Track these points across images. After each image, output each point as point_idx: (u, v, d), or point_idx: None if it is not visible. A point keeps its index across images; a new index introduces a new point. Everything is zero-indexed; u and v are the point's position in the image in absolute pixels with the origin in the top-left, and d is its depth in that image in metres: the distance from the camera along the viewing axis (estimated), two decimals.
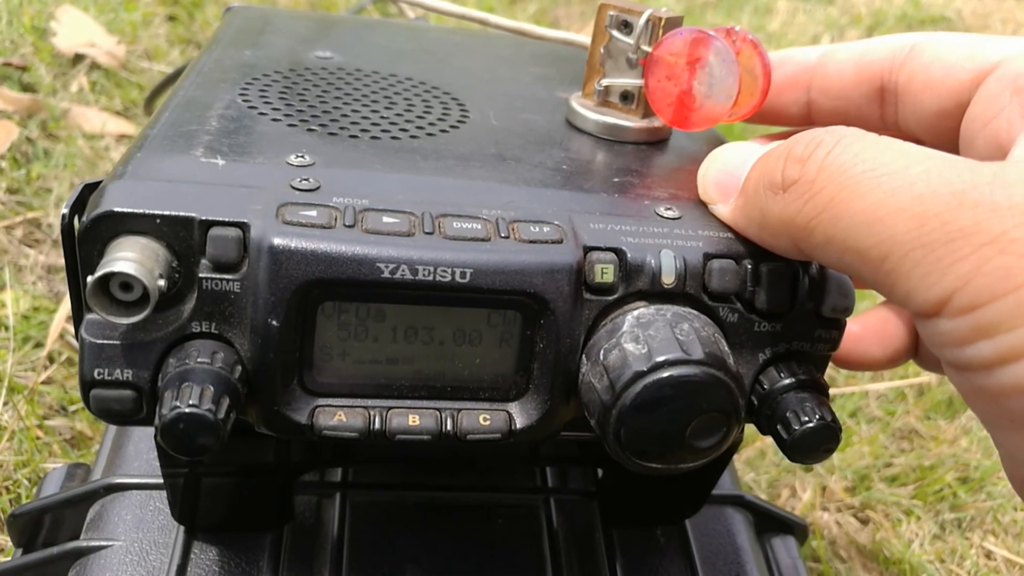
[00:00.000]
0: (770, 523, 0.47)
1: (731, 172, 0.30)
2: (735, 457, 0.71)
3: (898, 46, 0.33)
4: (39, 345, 0.69)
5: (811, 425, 0.28)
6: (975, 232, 0.22)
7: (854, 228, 0.24)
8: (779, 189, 0.26)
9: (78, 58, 1.05)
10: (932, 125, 0.32)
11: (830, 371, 0.84)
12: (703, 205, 0.31)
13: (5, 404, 0.63)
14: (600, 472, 0.44)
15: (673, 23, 0.35)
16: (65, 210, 0.26)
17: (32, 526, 0.43)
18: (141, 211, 0.25)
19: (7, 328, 0.69)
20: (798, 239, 0.26)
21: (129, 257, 0.24)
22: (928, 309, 0.24)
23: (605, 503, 0.43)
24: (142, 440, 0.44)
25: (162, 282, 0.24)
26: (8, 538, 0.44)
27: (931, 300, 0.23)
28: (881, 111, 0.33)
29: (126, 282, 0.24)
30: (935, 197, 0.23)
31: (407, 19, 0.73)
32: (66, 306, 0.71)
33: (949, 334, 0.23)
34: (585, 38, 0.39)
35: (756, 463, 0.72)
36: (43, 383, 0.66)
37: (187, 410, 0.24)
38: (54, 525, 0.43)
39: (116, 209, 0.25)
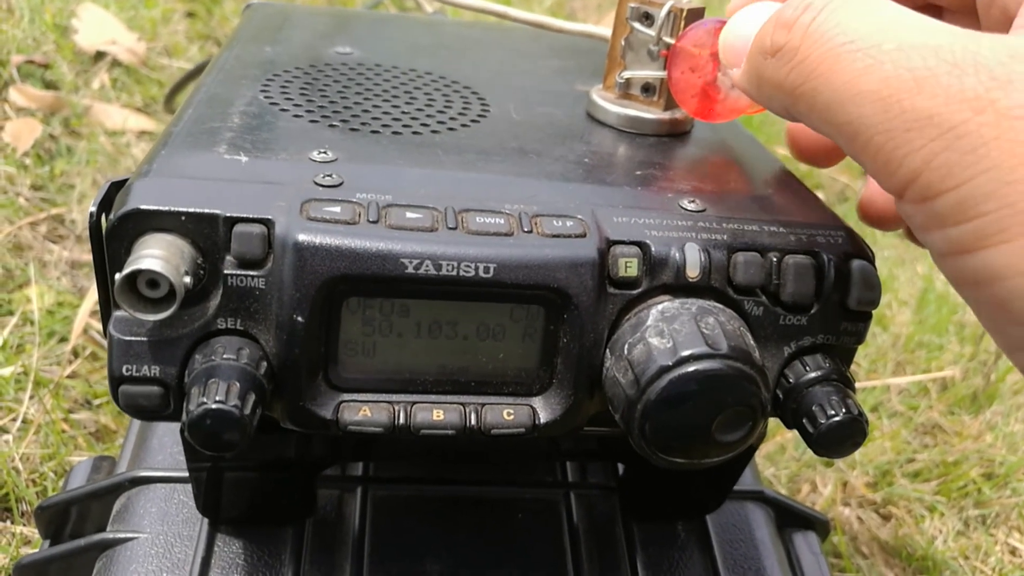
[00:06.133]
0: (791, 519, 0.47)
1: (742, 35, 0.30)
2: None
3: None
4: (64, 340, 0.70)
5: (837, 419, 0.28)
6: (928, 124, 0.22)
7: (832, 103, 0.24)
8: (768, 54, 0.26)
9: (99, 55, 1.06)
10: None
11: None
12: (727, 197, 0.31)
13: (31, 398, 0.64)
14: (620, 466, 0.44)
15: (695, 14, 0.35)
16: (93, 208, 0.27)
17: (59, 518, 0.44)
18: (167, 208, 0.25)
19: (32, 323, 0.70)
20: (786, 105, 0.27)
21: (156, 254, 0.24)
22: (892, 191, 0.24)
23: (625, 497, 0.43)
24: (166, 434, 0.45)
25: (188, 279, 0.25)
26: (36, 530, 0.45)
27: (893, 186, 0.24)
28: None
29: (153, 279, 0.24)
30: (900, 81, 0.23)
31: (425, 13, 0.73)
32: (90, 301, 0.72)
33: (913, 218, 0.24)
34: (606, 30, 0.39)
35: (776, 458, 0.71)
36: (68, 377, 0.67)
37: (214, 406, 0.24)
38: (80, 517, 0.44)
39: (143, 207, 0.25)
